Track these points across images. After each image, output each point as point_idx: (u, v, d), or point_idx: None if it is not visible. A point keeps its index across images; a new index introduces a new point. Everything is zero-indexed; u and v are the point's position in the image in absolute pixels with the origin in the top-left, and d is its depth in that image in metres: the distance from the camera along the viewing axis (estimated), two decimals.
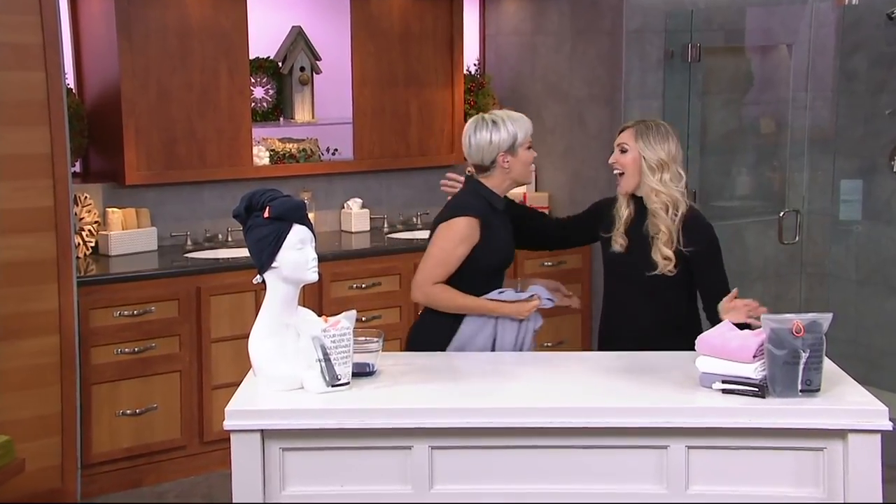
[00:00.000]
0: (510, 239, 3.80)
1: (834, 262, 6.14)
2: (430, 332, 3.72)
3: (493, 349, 3.68)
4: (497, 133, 3.68)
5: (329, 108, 5.85)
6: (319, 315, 3.19)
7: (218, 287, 5.00)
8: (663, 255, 3.62)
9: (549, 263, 5.83)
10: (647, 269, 3.64)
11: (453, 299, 3.66)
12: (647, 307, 3.70)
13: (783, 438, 2.95)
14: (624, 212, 3.74)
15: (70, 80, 5.26)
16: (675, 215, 3.64)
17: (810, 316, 3.00)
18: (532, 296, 3.69)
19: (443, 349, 3.67)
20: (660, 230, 3.63)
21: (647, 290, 3.68)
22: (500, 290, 3.71)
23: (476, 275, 3.68)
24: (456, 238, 3.65)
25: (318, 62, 5.71)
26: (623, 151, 3.70)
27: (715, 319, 3.54)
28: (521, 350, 3.71)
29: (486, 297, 3.67)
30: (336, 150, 5.95)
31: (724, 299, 3.52)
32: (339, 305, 5.03)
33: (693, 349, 3.15)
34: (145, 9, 5.16)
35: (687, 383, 3.15)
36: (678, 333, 3.58)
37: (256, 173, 5.56)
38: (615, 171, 3.74)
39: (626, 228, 3.72)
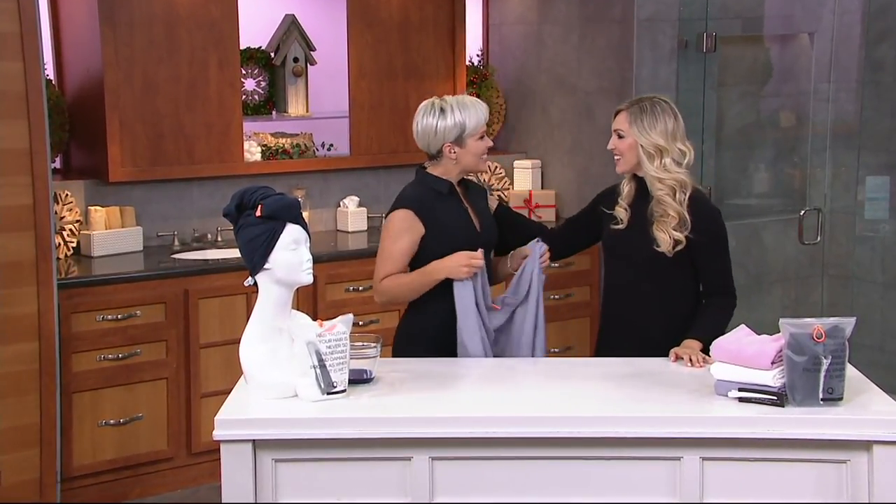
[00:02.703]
0: (469, 222, 3.72)
1: (858, 263, 6.14)
2: (411, 325, 3.75)
3: (479, 313, 3.60)
4: (443, 121, 3.66)
5: (324, 101, 5.86)
6: (314, 319, 3.20)
7: (207, 290, 5.01)
8: (672, 237, 3.59)
9: (556, 266, 5.83)
10: (648, 245, 3.61)
11: (399, 282, 3.65)
12: (649, 291, 3.67)
13: (803, 450, 2.96)
14: (626, 187, 3.73)
15: (50, 71, 5.27)
16: (684, 197, 3.61)
17: (832, 320, 3.01)
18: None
19: (424, 338, 3.68)
20: (668, 215, 3.60)
21: (648, 273, 3.65)
22: None
23: None
24: (393, 232, 3.66)
25: (312, 53, 5.72)
26: (620, 137, 3.70)
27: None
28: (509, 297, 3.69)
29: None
30: (331, 145, 5.96)
31: (672, 351, 3.51)
32: (335, 309, 5.03)
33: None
34: None
35: (701, 391, 3.17)
36: (683, 324, 3.60)
37: (247, 170, 5.57)
38: (615, 157, 3.73)
39: (629, 203, 3.71)
